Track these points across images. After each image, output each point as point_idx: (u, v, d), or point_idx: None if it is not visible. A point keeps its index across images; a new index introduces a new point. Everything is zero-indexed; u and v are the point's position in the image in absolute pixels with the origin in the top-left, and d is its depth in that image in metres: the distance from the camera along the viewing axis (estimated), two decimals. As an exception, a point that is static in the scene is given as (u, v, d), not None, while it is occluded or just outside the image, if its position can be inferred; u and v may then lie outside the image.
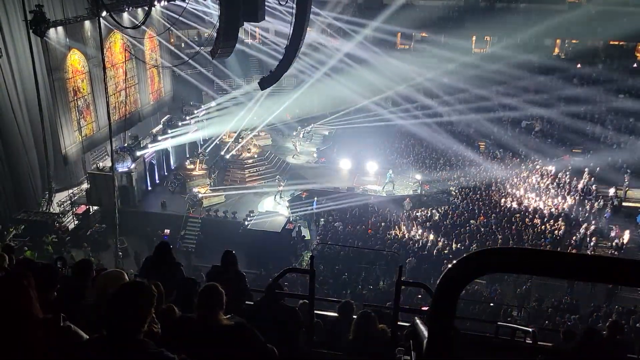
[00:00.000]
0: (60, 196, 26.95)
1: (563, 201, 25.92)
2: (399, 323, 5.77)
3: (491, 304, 19.06)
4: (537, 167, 29.65)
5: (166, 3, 29.47)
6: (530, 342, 6.22)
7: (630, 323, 16.99)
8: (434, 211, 26.31)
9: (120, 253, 22.57)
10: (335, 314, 6.27)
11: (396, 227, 24.90)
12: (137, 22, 22.79)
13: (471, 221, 24.58)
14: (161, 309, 3.89)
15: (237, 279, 6.42)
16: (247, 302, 6.46)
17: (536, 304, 19.24)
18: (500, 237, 23.04)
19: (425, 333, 3.89)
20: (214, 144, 31.52)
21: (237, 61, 35.53)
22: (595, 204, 25.44)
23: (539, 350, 6.00)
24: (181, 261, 7.63)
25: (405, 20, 36.01)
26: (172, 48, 34.53)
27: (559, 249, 21.15)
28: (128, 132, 28.96)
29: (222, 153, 31.46)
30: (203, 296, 3.60)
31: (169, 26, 26.20)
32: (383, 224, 24.93)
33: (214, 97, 35.90)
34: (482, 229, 23.80)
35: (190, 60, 27.27)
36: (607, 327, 5.97)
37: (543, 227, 23.75)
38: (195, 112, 33.41)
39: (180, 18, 24.41)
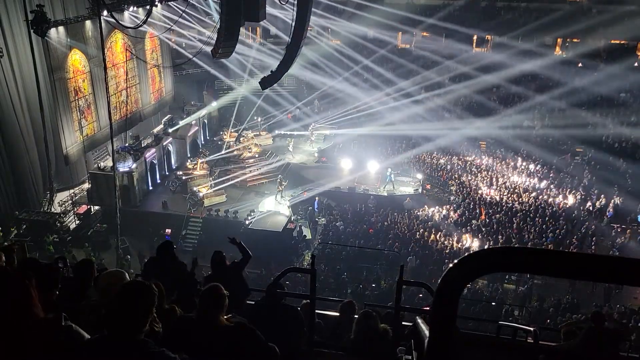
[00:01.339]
0: (62, 196, 26.99)
1: (565, 200, 25.94)
2: (400, 322, 5.77)
3: (492, 303, 19.05)
4: (539, 166, 29.66)
5: (167, 3, 29.48)
6: (532, 341, 6.21)
7: (632, 322, 17.00)
8: (434, 211, 26.33)
9: (129, 256, 22.54)
10: (336, 314, 6.28)
11: (398, 226, 24.93)
12: (138, 22, 22.80)
13: (472, 221, 24.58)
14: (163, 308, 3.89)
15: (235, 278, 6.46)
16: (247, 302, 6.47)
17: (537, 303, 19.24)
18: (501, 236, 23.05)
19: (427, 332, 3.89)
20: (215, 144, 31.57)
21: (238, 61, 35.55)
22: (597, 203, 25.43)
23: (540, 349, 5.99)
24: (182, 261, 7.66)
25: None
26: (174, 47, 34.56)
27: (560, 248, 21.16)
28: (129, 131, 28.98)
29: (223, 153, 31.50)
30: (205, 297, 3.60)
31: (170, 26, 26.19)
32: (386, 223, 24.96)
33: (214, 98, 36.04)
34: (484, 229, 23.80)
35: (193, 59, 27.29)
36: (591, 319, 5.96)
37: (544, 226, 23.75)
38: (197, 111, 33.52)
39: (181, 18, 24.43)
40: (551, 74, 35.06)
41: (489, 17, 38.10)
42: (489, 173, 29.44)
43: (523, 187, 27.57)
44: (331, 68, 37.03)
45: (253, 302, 6.26)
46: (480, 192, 27.35)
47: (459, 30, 36.90)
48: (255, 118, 35.49)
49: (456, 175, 29.68)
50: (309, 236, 25.69)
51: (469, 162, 31.03)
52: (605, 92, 33.08)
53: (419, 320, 4.74)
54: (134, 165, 26.17)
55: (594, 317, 5.96)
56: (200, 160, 29.10)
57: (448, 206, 26.81)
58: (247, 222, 24.92)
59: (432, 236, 23.50)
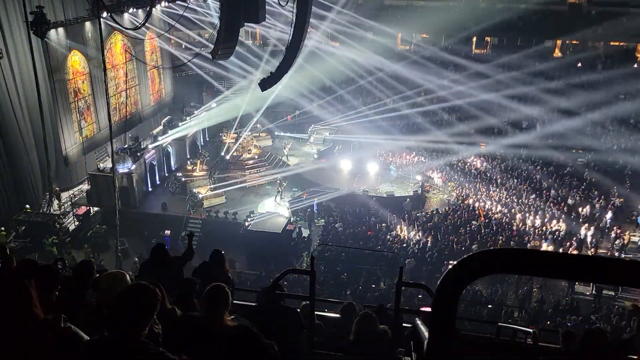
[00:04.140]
0: (61, 197, 26.95)
1: (564, 202, 25.96)
2: (399, 324, 5.77)
3: (489, 305, 19.03)
4: (538, 167, 29.69)
5: (167, 4, 29.49)
6: (531, 342, 6.21)
7: (632, 324, 16.98)
8: (434, 212, 26.32)
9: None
10: (336, 315, 6.28)
11: (397, 227, 24.91)
12: (138, 23, 22.79)
13: (472, 222, 24.59)
14: (166, 308, 3.89)
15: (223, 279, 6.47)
16: (247, 303, 6.47)
17: (537, 304, 19.23)
18: (501, 237, 23.05)
19: (426, 334, 3.89)
20: (214, 145, 31.61)
21: (237, 62, 35.49)
22: (597, 205, 25.43)
23: (540, 351, 5.99)
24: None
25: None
26: (173, 49, 34.55)
27: (560, 250, 21.17)
28: (129, 133, 28.98)
29: (223, 154, 31.49)
30: (208, 296, 3.58)
31: (170, 27, 26.23)
32: (384, 224, 24.95)
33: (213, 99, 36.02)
34: (483, 230, 23.80)
35: (190, 62, 27.26)
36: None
37: (544, 228, 23.75)
38: (196, 112, 33.46)
39: (181, 20, 24.44)
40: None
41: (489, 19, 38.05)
42: (489, 175, 29.46)
43: (522, 187, 27.59)
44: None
45: (253, 304, 6.25)
46: (480, 193, 27.38)
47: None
48: (254, 119, 35.49)
49: (456, 177, 29.70)
50: (308, 237, 25.69)
51: (469, 164, 31.05)
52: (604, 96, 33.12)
53: (419, 322, 4.74)
54: (134, 167, 26.16)
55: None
56: (199, 162, 29.11)
57: (447, 208, 26.83)
58: (246, 223, 24.91)
59: (431, 237, 23.49)
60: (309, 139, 34.69)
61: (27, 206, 24.52)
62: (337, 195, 27.57)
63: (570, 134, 31.10)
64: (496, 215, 24.96)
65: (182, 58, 30.09)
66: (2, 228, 22.35)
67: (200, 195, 26.89)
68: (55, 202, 26.29)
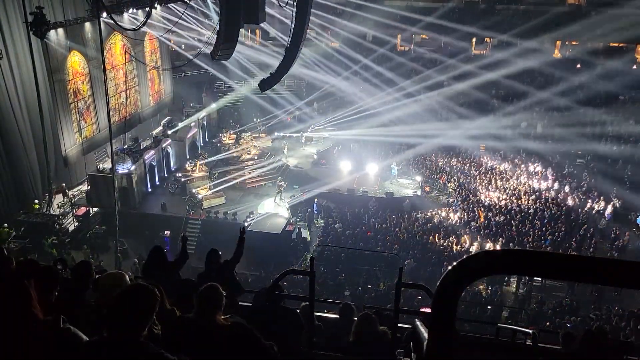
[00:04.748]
0: (60, 197, 26.94)
1: (563, 203, 25.96)
2: (399, 325, 5.76)
3: (488, 307, 19.02)
4: (538, 169, 29.69)
5: (167, 5, 29.47)
6: (531, 343, 6.21)
7: (631, 325, 16.98)
8: (434, 213, 26.32)
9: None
10: (336, 316, 6.28)
11: (396, 229, 24.90)
12: (138, 24, 22.79)
13: (472, 222, 24.58)
14: (164, 310, 3.89)
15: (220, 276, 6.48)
16: (246, 304, 6.46)
17: (536, 305, 19.23)
18: (501, 239, 23.05)
19: (426, 335, 3.89)
20: (214, 145, 31.61)
21: (237, 62, 35.51)
22: (596, 206, 25.43)
23: (539, 351, 5.99)
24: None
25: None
26: (173, 49, 34.55)
27: (559, 251, 21.14)
28: (128, 133, 28.96)
29: (222, 154, 31.48)
30: (202, 297, 3.59)
31: (170, 28, 26.21)
32: (384, 225, 24.93)
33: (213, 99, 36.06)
34: (482, 231, 23.79)
35: (193, 60, 27.29)
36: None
37: (543, 228, 23.74)
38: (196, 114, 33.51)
39: (180, 20, 24.43)
40: (551, 71, 35.23)
41: (488, 18, 38.12)
42: (488, 175, 29.46)
43: (522, 189, 27.59)
44: (330, 68, 37.15)
45: (252, 304, 6.24)
46: (479, 194, 27.38)
47: (458, 29, 37.04)
48: (254, 120, 35.53)
49: (455, 177, 29.69)
50: (308, 238, 25.67)
51: (469, 164, 31.04)
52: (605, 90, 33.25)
53: (418, 323, 4.74)
54: (133, 167, 26.15)
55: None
56: (199, 162, 29.09)
57: (447, 208, 26.82)
58: (246, 223, 24.88)
59: (431, 238, 23.49)
60: (302, 139, 34.59)
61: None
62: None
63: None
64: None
65: (185, 55, 30.11)
66: (6, 225, 22.39)
67: (200, 196, 26.88)
68: (61, 198, 26.31)
